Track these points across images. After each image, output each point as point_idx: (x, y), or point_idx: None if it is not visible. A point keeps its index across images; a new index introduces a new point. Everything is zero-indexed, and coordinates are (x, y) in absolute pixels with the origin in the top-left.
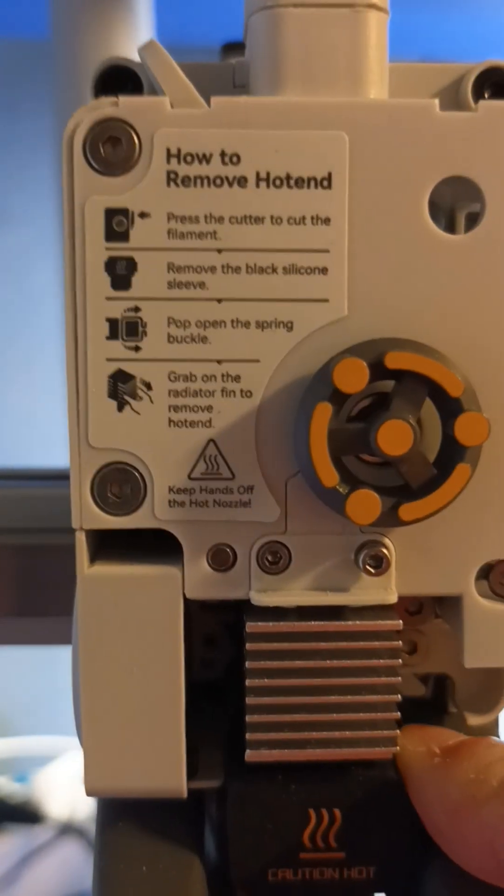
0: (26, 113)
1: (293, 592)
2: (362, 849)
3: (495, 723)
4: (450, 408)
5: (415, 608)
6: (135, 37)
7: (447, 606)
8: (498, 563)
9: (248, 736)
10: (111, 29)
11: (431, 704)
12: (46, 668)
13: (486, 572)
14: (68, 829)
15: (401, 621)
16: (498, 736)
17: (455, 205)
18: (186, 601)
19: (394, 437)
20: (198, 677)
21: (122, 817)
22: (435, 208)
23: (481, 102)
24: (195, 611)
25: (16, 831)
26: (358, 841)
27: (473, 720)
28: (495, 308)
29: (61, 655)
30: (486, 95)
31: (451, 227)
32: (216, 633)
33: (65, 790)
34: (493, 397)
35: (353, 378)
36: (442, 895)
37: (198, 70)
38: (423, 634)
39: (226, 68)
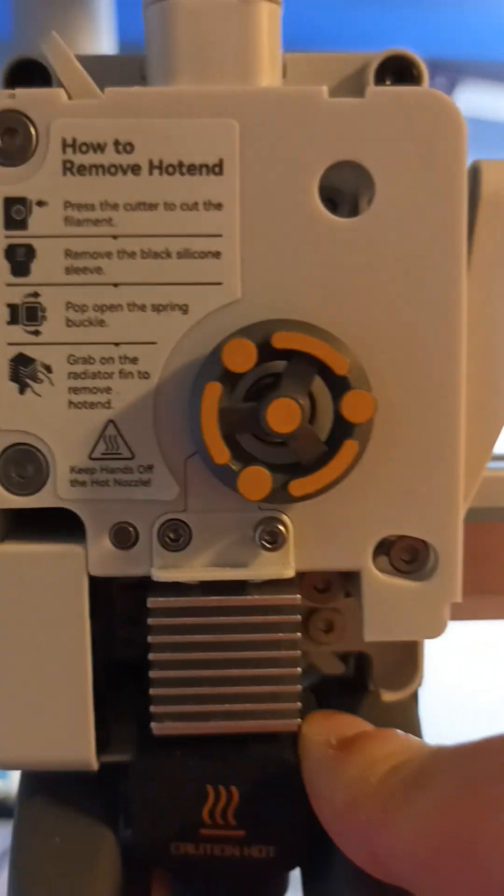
0: None
1: (193, 568)
2: (262, 828)
3: (413, 699)
4: (337, 386)
5: (323, 585)
6: (96, 36)
7: (354, 583)
8: (398, 539)
9: (152, 709)
10: (72, 28)
11: (353, 683)
12: None
13: (387, 548)
14: None
15: (299, 596)
16: (416, 713)
17: (358, 190)
18: (109, 581)
19: (282, 415)
20: (120, 656)
21: (41, 791)
22: (339, 194)
23: (369, 88)
24: (117, 591)
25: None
26: (257, 820)
27: (388, 696)
28: (383, 290)
29: None
30: (388, 83)
31: (354, 213)
32: (139, 613)
33: None
34: (386, 376)
35: (241, 357)
36: (342, 876)
37: (109, 63)
38: (340, 613)
39: (134, 61)
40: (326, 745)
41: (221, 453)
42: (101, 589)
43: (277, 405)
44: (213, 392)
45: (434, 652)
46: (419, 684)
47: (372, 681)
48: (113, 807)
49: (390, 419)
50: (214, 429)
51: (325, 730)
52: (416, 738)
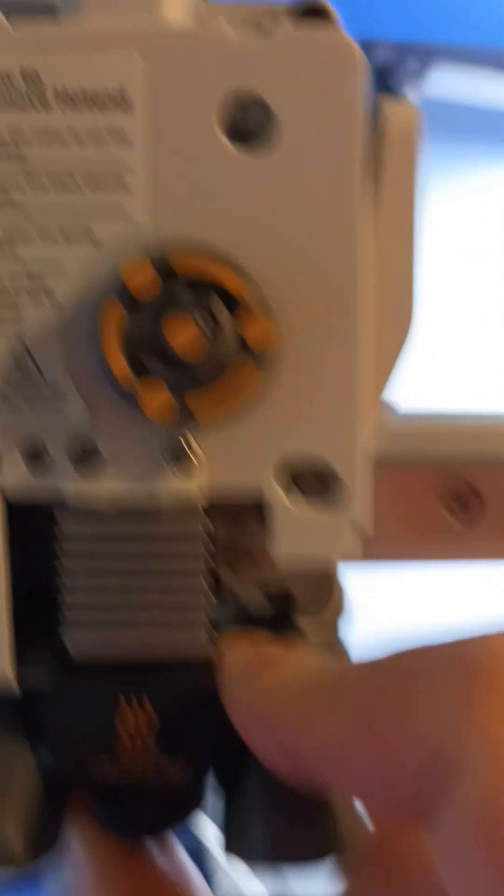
0: None
1: (104, 491)
2: (176, 749)
3: (333, 635)
4: (237, 310)
5: (238, 511)
6: None
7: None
8: (304, 468)
9: (66, 634)
10: None
11: (278, 622)
12: None
13: (293, 478)
14: None
15: (202, 525)
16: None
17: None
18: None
19: (182, 335)
20: (40, 583)
21: None
22: (252, 135)
23: (277, 29)
24: (46, 533)
25: None
26: (172, 741)
27: (304, 622)
28: (283, 222)
29: None
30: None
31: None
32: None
33: None
34: (286, 304)
35: (140, 277)
36: (254, 793)
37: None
38: (262, 547)
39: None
40: (245, 659)
41: (123, 373)
42: (19, 516)
43: (177, 326)
44: (112, 310)
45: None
46: (338, 612)
47: (296, 618)
48: (34, 735)
49: (290, 344)
50: (115, 348)
51: (243, 646)
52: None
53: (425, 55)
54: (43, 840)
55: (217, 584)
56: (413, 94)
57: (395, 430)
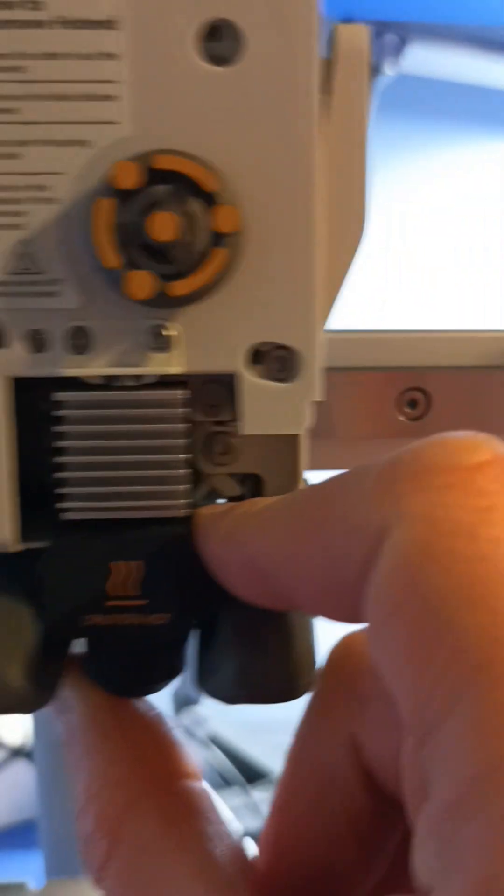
0: None
1: (95, 367)
2: (159, 597)
3: None
4: (209, 202)
5: (213, 402)
6: None
7: (236, 397)
8: (269, 350)
9: (62, 492)
10: None
11: None
12: None
13: (260, 359)
14: (19, 753)
15: (181, 392)
16: None
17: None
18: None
19: (162, 225)
20: (37, 484)
21: None
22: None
23: None
24: (36, 425)
25: None
26: (156, 590)
27: None
28: (251, 128)
29: None
30: None
31: None
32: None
33: (17, 720)
34: (252, 201)
35: (126, 175)
36: (225, 631)
37: None
38: (234, 437)
39: None
40: (216, 508)
41: (111, 259)
42: (26, 408)
43: (158, 216)
44: (103, 206)
45: None
46: None
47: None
48: (32, 592)
49: (255, 239)
50: (105, 239)
51: (214, 506)
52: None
53: (403, 32)
54: (46, 688)
55: (193, 464)
56: (391, 71)
57: (358, 340)
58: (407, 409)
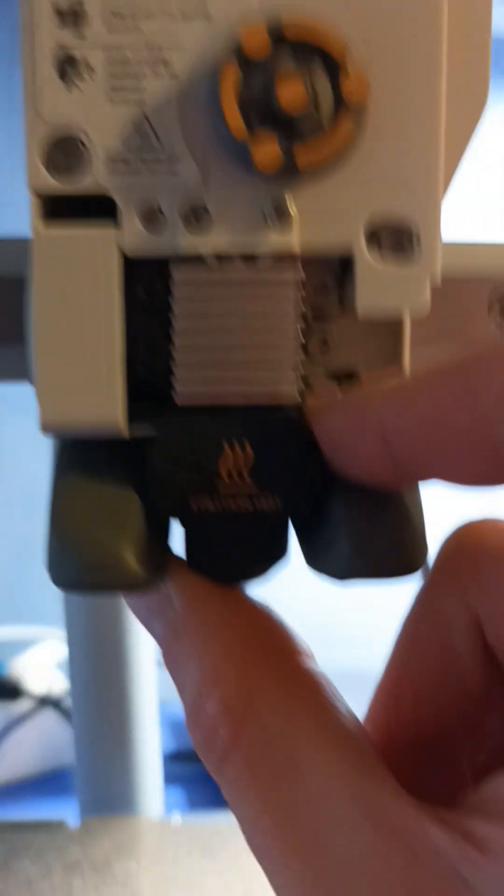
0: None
1: (210, 245)
2: (271, 483)
3: None
4: (337, 72)
5: (323, 291)
6: None
7: (347, 285)
8: (387, 231)
9: (175, 374)
10: None
11: None
12: (22, 559)
13: (377, 240)
14: (46, 702)
15: (303, 273)
16: None
17: None
18: (136, 295)
19: (290, 93)
20: (141, 377)
21: (71, 470)
22: None
23: None
24: (138, 317)
25: None
26: (268, 476)
27: None
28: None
29: (36, 549)
30: None
31: None
32: (158, 338)
33: (42, 670)
34: (377, 71)
35: (255, 40)
36: (339, 511)
37: None
38: (332, 332)
39: None
40: (332, 393)
41: (239, 128)
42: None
43: (287, 85)
44: (231, 72)
45: None
46: None
47: None
48: (142, 480)
49: (380, 110)
50: (232, 105)
51: (324, 393)
52: None
53: None
54: (155, 570)
55: (305, 345)
56: None
57: (452, 250)
58: (497, 316)
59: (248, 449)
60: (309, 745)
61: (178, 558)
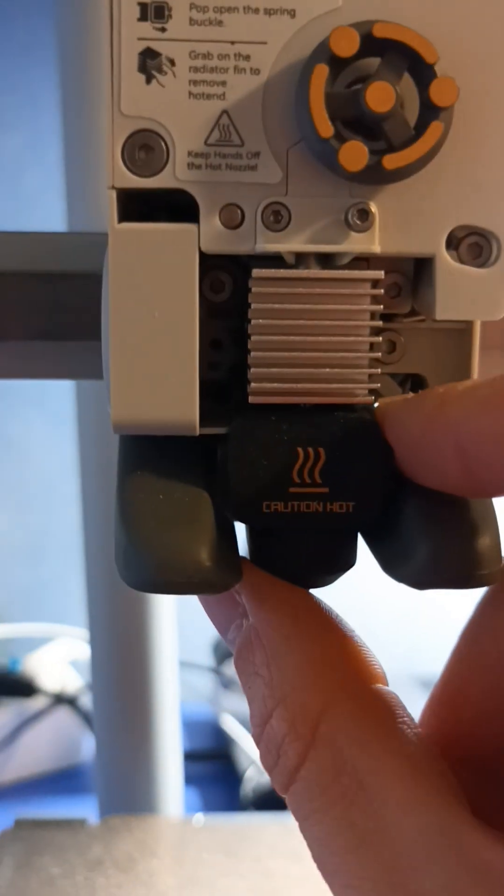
0: (20, 12)
1: (290, 248)
2: (343, 485)
3: None
4: (426, 75)
5: (394, 293)
6: None
7: (421, 287)
8: (465, 235)
9: (251, 372)
10: None
11: None
12: (36, 556)
13: (455, 244)
14: (61, 700)
15: (382, 272)
16: None
17: None
18: (202, 294)
19: (379, 95)
20: (205, 377)
21: (140, 468)
22: None
23: None
24: (203, 318)
25: (10, 704)
26: (339, 477)
27: None
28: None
29: (51, 547)
30: None
31: None
32: (222, 339)
33: (57, 668)
34: (468, 77)
35: (345, 42)
36: (414, 517)
37: None
38: (400, 335)
39: None
40: (403, 397)
41: (326, 128)
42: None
43: (376, 87)
44: (321, 73)
45: None
46: None
47: None
48: (209, 477)
49: (467, 117)
50: (321, 105)
51: (399, 396)
52: None
53: None
54: (229, 572)
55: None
56: None
57: None
58: None
59: (322, 452)
60: (382, 773)
61: (249, 562)
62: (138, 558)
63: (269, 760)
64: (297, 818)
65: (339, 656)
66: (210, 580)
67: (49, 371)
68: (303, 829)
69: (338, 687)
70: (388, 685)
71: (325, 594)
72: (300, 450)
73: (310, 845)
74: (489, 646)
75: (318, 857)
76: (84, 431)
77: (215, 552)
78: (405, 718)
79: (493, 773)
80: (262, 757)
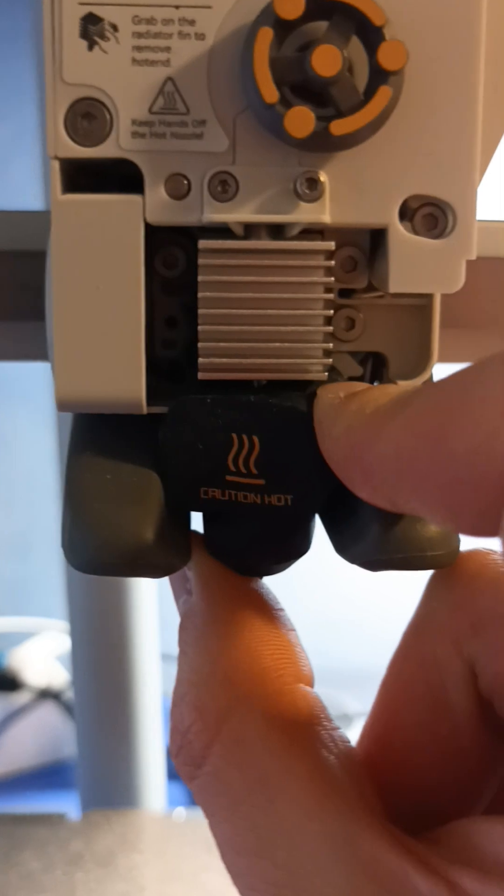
0: (2, 2)
1: (238, 218)
2: (279, 477)
3: None
4: (374, 39)
5: (350, 267)
6: None
7: (377, 260)
8: (420, 206)
9: (200, 346)
10: None
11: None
12: (21, 550)
13: (410, 215)
14: (46, 695)
15: (333, 243)
16: None
17: None
18: (156, 270)
19: (326, 59)
20: (159, 355)
21: (88, 448)
22: None
23: None
24: (158, 294)
25: None
26: (276, 470)
27: (404, 385)
28: None
29: (35, 542)
30: None
31: None
32: (178, 316)
33: (42, 662)
34: (416, 43)
35: (290, 4)
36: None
37: None
38: (360, 312)
39: None
40: (334, 392)
41: (272, 94)
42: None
43: (322, 50)
44: (265, 36)
45: None
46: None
47: (389, 379)
48: (156, 459)
49: (418, 84)
50: (265, 70)
51: (336, 388)
52: None
53: None
54: (175, 553)
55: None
56: None
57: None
58: None
59: (256, 441)
60: (288, 775)
61: (200, 538)
62: (81, 539)
63: (174, 744)
64: (206, 815)
65: (264, 652)
66: (153, 562)
67: (37, 352)
68: (211, 827)
69: (254, 683)
70: (313, 687)
71: (320, 586)
72: (234, 436)
73: (217, 844)
74: (413, 679)
75: (224, 857)
76: (64, 426)
77: (160, 533)
78: (325, 723)
79: (422, 803)
80: (170, 739)
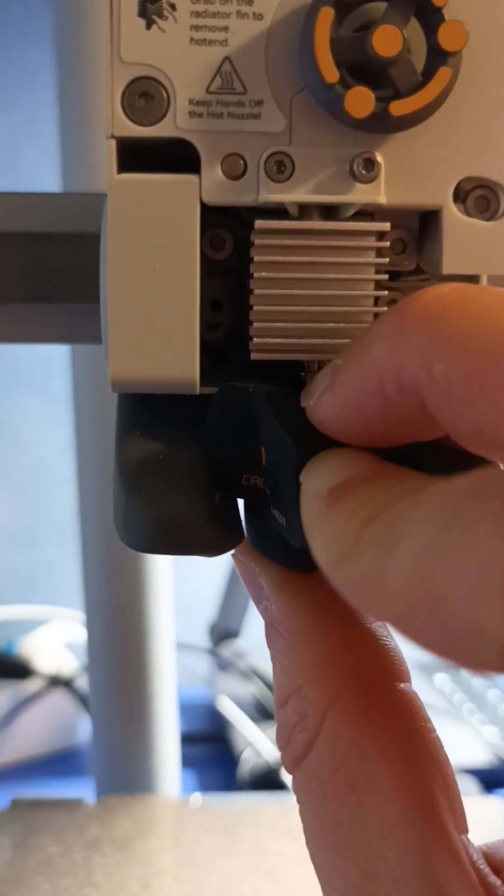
0: None
1: (293, 199)
2: (276, 497)
3: None
4: (434, 20)
5: (399, 249)
6: None
7: (427, 242)
8: (473, 188)
9: (252, 328)
10: None
11: None
12: (31, 539)
13: (463, 198)
14: (57, 682)
15: (388, 224)
16: None
17: None
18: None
19: (386, 39)
20: (204, 338)
21: (138, 428)
22: None
23: None
24: (204, 276)
25: (5, 686)
26: (273, 488)
27: None
28: None
29: (47, 530)
30: None
31: None
32: (222, 298)
33: (52, 650)
34: (476, 26)
35: None
36: None
37: None
38: (405, 295)
39: None
40: (318, 498)
41: (331, 73)
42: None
43: (382, 30)
44: (326, 16)
45: None
46: None
47: None
48: (203, 443)
49: (474, 66)
50: (326, 50)
51: (322, 476)
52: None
53: None
54: (231, 530)
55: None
56: None
57: None
58: None
59: (262, 453)
60: (373, 782)
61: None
62: (139, 518)
63: (281, 742)
64: (298, 802)
65: (352, 652)
66: (209, 541)
67: (44, 335)
68: (301, 814)
69: (344, 686)
70: (410, 682)
71: None
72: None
73: (304, 830)
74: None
75: (309, 845)
76: (80, 414)
77: (215, 513)
78: (420, 725)
79: None
80: (276, 736)
